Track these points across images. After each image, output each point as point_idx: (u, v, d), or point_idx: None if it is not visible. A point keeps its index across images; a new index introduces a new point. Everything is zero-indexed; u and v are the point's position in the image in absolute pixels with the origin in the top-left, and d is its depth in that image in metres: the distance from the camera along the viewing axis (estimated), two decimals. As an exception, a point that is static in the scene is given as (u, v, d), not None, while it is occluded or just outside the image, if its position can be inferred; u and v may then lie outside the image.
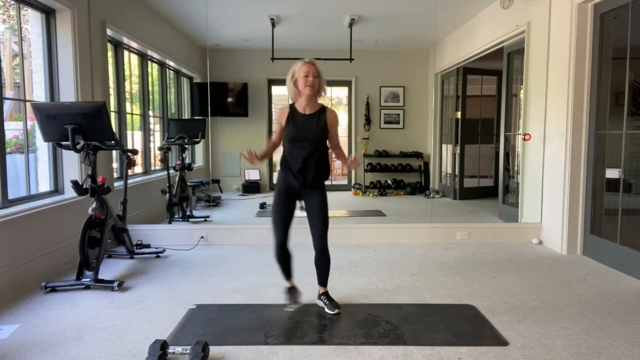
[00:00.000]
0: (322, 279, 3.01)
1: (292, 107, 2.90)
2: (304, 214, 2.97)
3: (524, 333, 2.63)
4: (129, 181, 4.70)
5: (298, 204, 2.98)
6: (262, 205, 6.57)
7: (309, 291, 3.18)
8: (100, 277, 3.42)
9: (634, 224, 3.96)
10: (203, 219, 5.70)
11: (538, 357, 2.35)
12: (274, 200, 2.96)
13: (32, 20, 4.11)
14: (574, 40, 4.18)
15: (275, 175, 8.16)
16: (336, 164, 8.14)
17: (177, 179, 5.74)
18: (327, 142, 2.92)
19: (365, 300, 3.13)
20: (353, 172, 8.01)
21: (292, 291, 3.03)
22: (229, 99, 7.85)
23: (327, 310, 2.93)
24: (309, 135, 2.83)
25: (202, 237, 4.68)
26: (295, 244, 3.04)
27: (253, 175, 7.95)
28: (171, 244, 4.59)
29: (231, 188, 7.88)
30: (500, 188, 6.02)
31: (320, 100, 2.94)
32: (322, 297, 3.01)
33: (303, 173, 2.84)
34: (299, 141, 2.83)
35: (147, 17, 5.81)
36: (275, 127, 2.98)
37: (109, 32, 4.87)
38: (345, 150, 7.96)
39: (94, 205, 3.52)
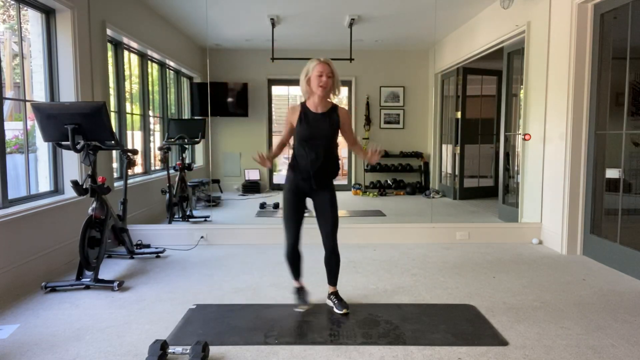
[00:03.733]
0: (332, 278, 3.00)
1: (303, 105, 2.87)
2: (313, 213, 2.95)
3: (524, 333, 2.63)
4: (129, 181, 4.70)
5: (308, 203, 2.95)
6: (262, 205, 6.57)
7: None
8: (100, 277, 3.42)
9: (634, 224, 3.95)
10: (203, 219, 5.70)
11: (538, 357, 2.35)
12: (283, 202, 2.92)
13: (32, 20, 4.11)
14: (574, 40, 4.18)
15: (276, 176, 8.21)
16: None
17: (177, 179, 5.74)
18: (338, 140, 2.92)
19: (365, 300, 3.13)
20: (353, 172, 8.02)
21: (301, 291, 3.03)
22: (229, 99, 7.85)
23: (335, 309, 2.93)
24: (321, 133, 2.81)
25: (202, 237, 4.69)
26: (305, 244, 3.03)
27: (253, 175, 7.95)
28: (171, 244, 4.59)
29: (231, 188, 7.88)
30: (500, 188, 6.02)
31: (335, 100, 2.93)
32: (331, 296, 3.01)
33: (314, 172, 2.82)
34: (311, 140, 2.81)
35: (147, 17, 5.81)
36: (283, 127, 2.95)
37: (109, 32, 4.87)
38: (345, 152, 8.00)
39: (94, 205, 3.52)
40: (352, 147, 3.00)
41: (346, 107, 8.06)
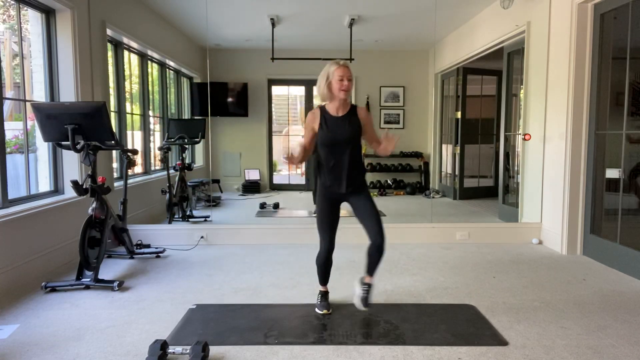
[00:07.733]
0: (371, 269, 2.89)
1: (322, 109, 2.83)
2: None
3: (524, 333, 2.63)
4: (129, 181, 4.70)
5: (342, 207, 2.90)
6: (262, 205, 6.57)
7: (311, 291, 3.18)
8: (100, 277, 3.42)
9: (634, 224, 3.95)
10: (203, 219, 5.70)
11: (538, 357, 2.35)
12: (317, 207, 2.89)
13: (32, 20, 4.11)
14: (574, 40, 4.18)
15: (275, 176, 8.21)
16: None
17: (177, 179, 5.74)
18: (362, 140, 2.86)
19: (365, 300, 3.13)
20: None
21: (326, 296, 3.00)
22: (229, 99, 7.85)
23: (354, 300, 2.88)
24: (344, 137, 2.76)
25: (202, 237, 4.68)
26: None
27: (253, 175, 7.95)
28: (171, 244, 4.59)
29: (231, 188, 7.88)
30: (500, 188, 6.02)
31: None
32: (363, 285, 2.89)
33: (343, 176, 2.78)
34: (335, 144, 2.77)
35: (147, 17, 5.81)
36: (305, 132, 2.88)
37: (109, 32, 4.87)
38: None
39: (94, 205, 3.52)
40: (375, 145, 2.88)
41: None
